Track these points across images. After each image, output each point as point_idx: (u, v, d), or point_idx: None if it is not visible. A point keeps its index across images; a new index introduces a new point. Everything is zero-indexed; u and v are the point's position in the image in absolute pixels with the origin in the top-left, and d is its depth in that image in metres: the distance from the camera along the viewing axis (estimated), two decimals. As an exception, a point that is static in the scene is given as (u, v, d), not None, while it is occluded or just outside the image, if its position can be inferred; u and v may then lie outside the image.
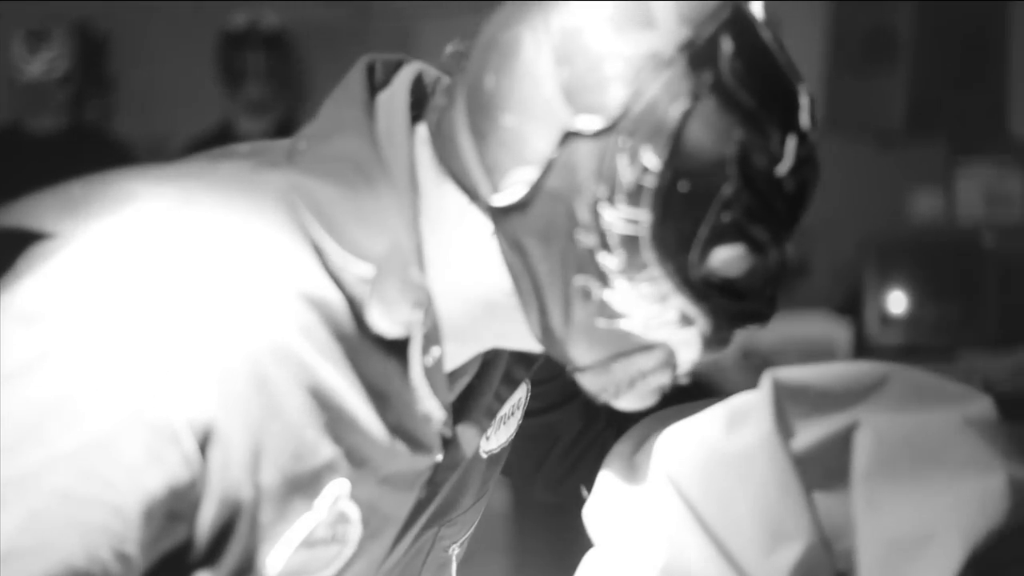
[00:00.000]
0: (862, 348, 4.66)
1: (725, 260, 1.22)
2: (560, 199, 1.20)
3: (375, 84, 1.30)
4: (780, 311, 1.32)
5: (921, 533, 1.25)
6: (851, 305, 4.79)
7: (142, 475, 1.12)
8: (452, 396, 1.32)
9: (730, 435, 1.33)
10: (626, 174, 1.19)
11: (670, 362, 1.27)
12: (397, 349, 1.25)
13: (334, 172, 1.24)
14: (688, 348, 1.27)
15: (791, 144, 1.21)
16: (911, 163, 5.18)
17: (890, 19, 5.05)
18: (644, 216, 1.20)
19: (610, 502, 1.41)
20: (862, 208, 5.02)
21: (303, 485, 1.20)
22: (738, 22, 1.20)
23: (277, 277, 1.18)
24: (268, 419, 1.17)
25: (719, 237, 1.20)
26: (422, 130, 1.28)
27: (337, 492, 1.23)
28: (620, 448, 1.44)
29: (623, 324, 1.24)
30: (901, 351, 4.64)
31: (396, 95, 1.28)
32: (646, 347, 1.25)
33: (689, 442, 1.35)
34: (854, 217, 4.91)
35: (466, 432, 1.36)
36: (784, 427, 1.32)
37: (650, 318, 1.23)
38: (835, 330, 4.62)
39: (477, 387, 1.37)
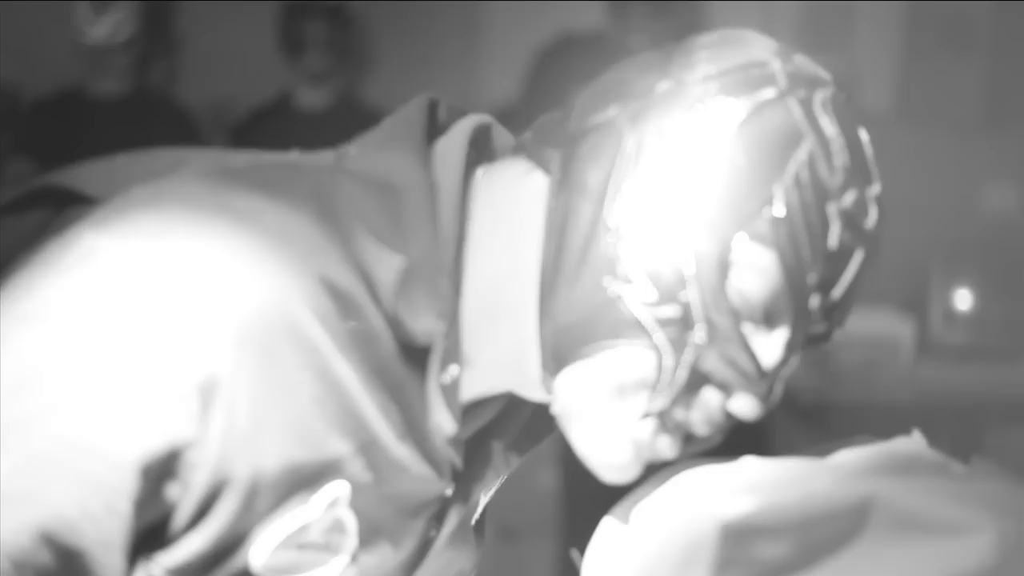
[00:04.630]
0: (925, 345, 4.61)
1: (752, 263, 1.16)
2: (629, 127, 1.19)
3: (437, 121, 1.27)
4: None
5: None
6: (916, 301, 4.72)
7: (144, 430, 1.08)
8: (467, 432, 1.25)
9: None
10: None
11: (652, 378, 1.17)
12: (416, 359, 1.20)
13: (376, 174, 1.21)
14: (667, 362, 1.17)
15: (851, 197, 1.17)
16: (985, 156, 5.02)
17: (968, 8, 5.02)
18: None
19: (608, 567, 1.26)
20: (933, 201, 4.88)
21: (304, 478, 1.15)
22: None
23: (297, 259, 1.14)
24: (276, 397, 1.12)
25: (756, 227, 1.16)
26: (479, 172, 1.24)
27: (336, 494, 1.17)
28: (618, 511, 1.29)
29: (628, 293, 1.16)
30: (965, 350, 4.60)
31: (457, 135, 1.25)
32: (635, 340, 1.17)
33: (639, 559, 1.22)
34: (924, 210, 4.77)
35: (480, 473, 1.31)
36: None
37: (656, 298, 1.16)
38: (898, 326, 4.56)
39: (495, 430, 1.31)
